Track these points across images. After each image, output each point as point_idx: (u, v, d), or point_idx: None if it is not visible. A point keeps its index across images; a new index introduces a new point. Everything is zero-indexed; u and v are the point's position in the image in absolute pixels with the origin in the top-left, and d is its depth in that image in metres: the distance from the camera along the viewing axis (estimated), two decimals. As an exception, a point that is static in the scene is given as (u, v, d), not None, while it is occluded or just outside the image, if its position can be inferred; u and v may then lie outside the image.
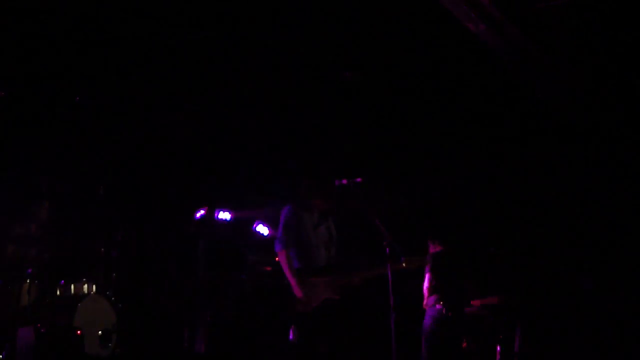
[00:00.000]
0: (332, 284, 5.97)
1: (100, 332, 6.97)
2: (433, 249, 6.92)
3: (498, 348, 6.39)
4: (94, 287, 7.33)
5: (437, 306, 6.58)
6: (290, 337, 5.91)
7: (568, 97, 6.76)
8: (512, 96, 7.42)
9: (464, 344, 7.13)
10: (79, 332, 6.55)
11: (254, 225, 9.00)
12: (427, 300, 6.75)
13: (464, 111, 7.73)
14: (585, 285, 7.06)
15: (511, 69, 6.60)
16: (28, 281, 6.97)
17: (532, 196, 7.83)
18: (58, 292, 7.22)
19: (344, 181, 5.98)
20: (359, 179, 5.94)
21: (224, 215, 9.01)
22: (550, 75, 6.33)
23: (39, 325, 6.33)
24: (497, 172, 8.02)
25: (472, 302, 6.52)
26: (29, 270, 7.00)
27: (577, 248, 7.38)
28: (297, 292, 5.86)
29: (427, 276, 6.80)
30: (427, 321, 6.64)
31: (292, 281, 5.88)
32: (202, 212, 8.80)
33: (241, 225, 9.06)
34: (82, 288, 7.29)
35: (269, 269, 8.71)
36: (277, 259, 6.20)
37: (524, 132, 7.66)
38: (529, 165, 7.91)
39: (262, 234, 8.95)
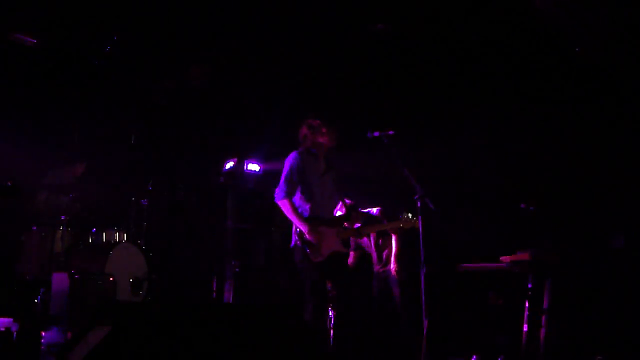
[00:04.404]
0: (340, 235, 5.89)
1: (131, 279, 7.07)
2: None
3: (527, 304, 6.38)
4: (125, 235, 7.43)
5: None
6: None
7: (606, 53, 6.62)
8: (546, 50, 7.29)
9: (491, 299, 7.16)
10: (111, 278, 6.64)
11: (283, 177, 8.99)
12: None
13: (498, 63, 7.60)
14: (617, 244, 7.00)
15: (549, 24, 6.45)
16: (61, 228, 7.08)
17: (565, 152, 7.74)
18: (90, 240, 7.33)
19: (377, 133, 5.89)
20: (391, 132, 5.86)
21: (253, 167, 9.02)
22: (590, 31, 6.18)
23: (73, 271, 6.42)
24: (530, 128, 7.91)
25: (501, 258, 6.52)
26: (63, 218, 7.09)
27: (610, 205, 7.30)
28: (311, 237, 5.66)
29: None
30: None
31: (304, 227, 5.64)
32: (231, 163, 8.81)
33: (270, 177, 9.06)
34: (114, 236, 7.38)
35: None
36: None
37: (559, 87, 7.53)
38: (562, 122, 7.80)
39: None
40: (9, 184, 5.61)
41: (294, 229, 5.80)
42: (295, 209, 5.75)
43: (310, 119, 5.99)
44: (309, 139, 5.97)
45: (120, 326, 3.20)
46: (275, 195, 5.86)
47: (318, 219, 5.79)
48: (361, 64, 8.09)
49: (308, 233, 5.67)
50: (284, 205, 5.79)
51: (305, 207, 5.82)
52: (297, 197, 5.85)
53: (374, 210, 6.96)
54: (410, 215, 6.06)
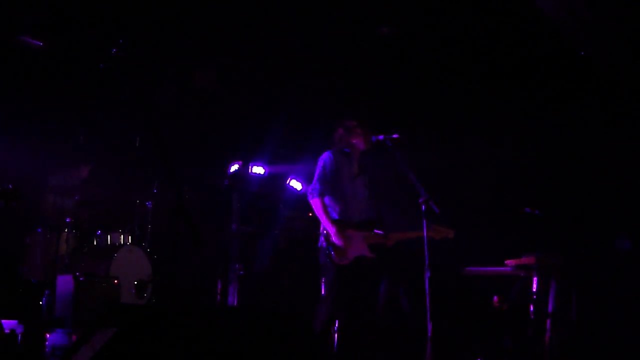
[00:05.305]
0: (368, 240, 5.84)
1: (135, 282, 7.08)
2: None
3: (531, 307, 6.37)
4: (129, 238, 7.44)
5: None
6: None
7: (613, 56, 6.60)
8: (550, 53, 7.28)
9: (496, 303, 7.14)
10: (116, 281, 6.64)
11: (288, 180, 9.00)
12: None
13: (502, 66, 7.59)
14: (622, 246, 6.98)
15: (556, 26, 6.44)
16: (66, 231, 7.09)
17: (570, 155, 7.72)
18: (95, 242, 7.35)
19: (381, 137, 5.89)
20: (395, 135, 5.85)
21: (258, 169, 9.01)
22: (598, 34, 6.17)
23: (77, 273, 6.43)
24: (534, 131, 7.90)
25: (506, 262, 6.50)
26: (68, 220, 7.11)
27: (615, 207, 7.28)
28: (337, 240, 5.62)
29: None
30: None
31: (332, 229, 5.62)
32: (236, 166, 8.81)
33: (275, 180, 9.06)
34: (119, 239, 7.39)
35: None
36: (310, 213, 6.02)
37: (564, 90, 7.52)
38: (566, 124, 7.78)
39: (296, 189, 8.95)
40: (10, 187, 5.61)
41: (321, 228, 5.79)
42: (325, 209, 5.74)
43: (347, 119, 6.00)
44: (344, 139, 5.99)
45: (124, 329, 3.19)
46: (308, 194, 5.86)
47: (347, 221, 5.77)
48: (365, 67, 8.10)
49: (335, 235, 5.64)
50: (315, 204, 5.78)
51: (336, 208, 5.82)
52: (328, 197, 5.85)
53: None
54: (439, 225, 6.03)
